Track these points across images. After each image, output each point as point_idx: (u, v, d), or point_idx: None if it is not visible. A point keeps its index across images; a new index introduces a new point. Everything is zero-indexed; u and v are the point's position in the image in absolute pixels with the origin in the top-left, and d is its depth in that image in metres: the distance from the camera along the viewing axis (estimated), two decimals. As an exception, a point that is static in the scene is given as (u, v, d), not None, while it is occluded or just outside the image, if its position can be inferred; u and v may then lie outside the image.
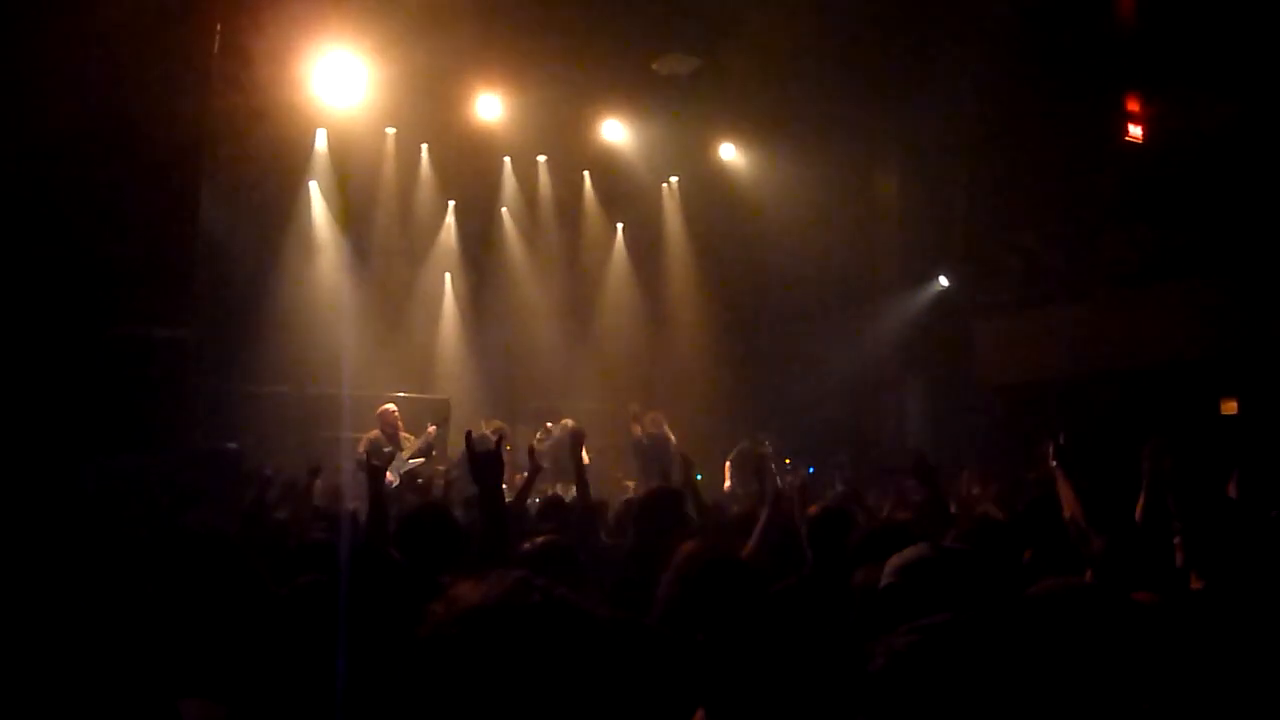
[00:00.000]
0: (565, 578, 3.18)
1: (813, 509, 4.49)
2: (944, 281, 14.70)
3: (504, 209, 14.13)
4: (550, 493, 7.91)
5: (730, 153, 14.18)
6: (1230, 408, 11.44)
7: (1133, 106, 11.95)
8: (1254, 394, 11.10)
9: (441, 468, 10.37)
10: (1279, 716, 2.63)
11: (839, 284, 14.14)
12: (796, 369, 13.69)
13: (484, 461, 3.53)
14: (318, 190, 12.58)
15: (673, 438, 11.80)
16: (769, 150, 13.77)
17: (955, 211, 14.05)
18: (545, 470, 8.49)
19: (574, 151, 13.64)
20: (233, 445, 9.31)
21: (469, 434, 4.36)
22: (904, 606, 2.37)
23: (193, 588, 2.67)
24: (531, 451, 6.69)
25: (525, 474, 11.03)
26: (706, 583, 3.15)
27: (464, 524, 4.53)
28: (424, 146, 13.23)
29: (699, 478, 7.98)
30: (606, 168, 13.92)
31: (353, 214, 12.64)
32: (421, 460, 10.25)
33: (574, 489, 6.46)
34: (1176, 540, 3.80)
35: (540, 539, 3.84)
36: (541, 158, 13.93)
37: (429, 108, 12.00)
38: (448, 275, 14.01)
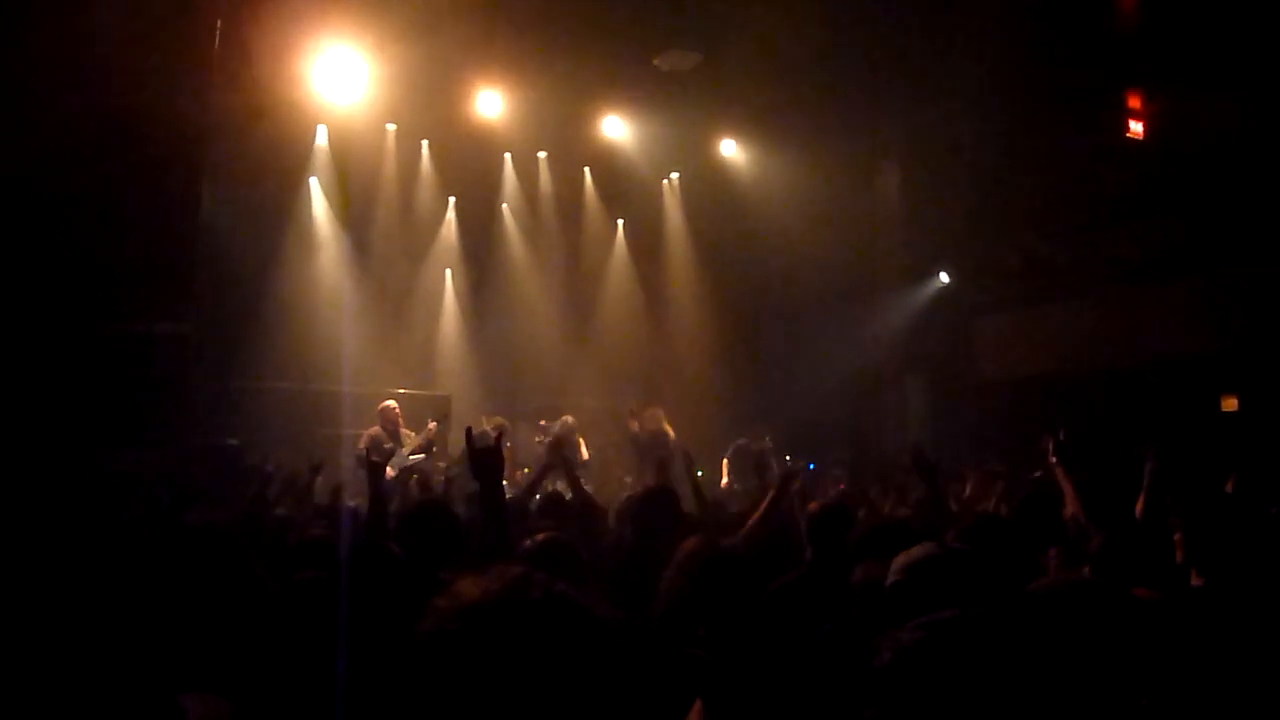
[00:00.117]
0: (567, 574, 3.19)
1: (813, 505, 4.49)
2: (945, 278, 14.70)
3: (504, 205, 14.13)
4: (550, 489, 7.91)
5: (731, 149, 14.17)
6: (1230, 405, 11.44)
7: (1134, 103, 11.94)
8: (1254, 391, 11.10)
9: (442, 464, 10.38)
10: (1278, 713, 2.63)
11: (840, 281, 14.13)
12: (797, 365, 13.69)
13: (484, 458, 3.53)
14: (318, 187, 12.58)
15: (672, 434, 11.80)
16: (770, 146, 13.76)
17: (956, 208, 14.04)
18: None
19: (575, 148, 13.63)
20: (233, 442, 9.32)
21: (469, 430, 4.36)
22: (910, 603, 2.38)
23: (192, 584, 2.67)
24: (552, 446, 6.63)
25: (526, 470, 11.11)
26: (708, 578, 3.15)
27: (465, 520, 4.54)
28: (424, 143, 13.23)
29: (699, 474, 8.00)
30: (607, 164, 13.91)
31: (353, 210, 12.64)
32: (422, 457, 10.26)
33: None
34: (1176, 537, 3.81)
35: (542, 535, 3.84)
36: (542, 154, 13.92)
37: (429, 104, 12.00)
38: (448, 272, 14.01)
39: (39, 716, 1.52)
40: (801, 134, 12.98)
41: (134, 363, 8.39)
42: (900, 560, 2.70)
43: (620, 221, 14.86)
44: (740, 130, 13.94)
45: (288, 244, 12.17)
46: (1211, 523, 3.74)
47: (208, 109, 9.13)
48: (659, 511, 4.78)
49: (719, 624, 3.07)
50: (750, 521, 5.02)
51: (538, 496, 6.64)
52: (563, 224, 14.36)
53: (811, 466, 11.35)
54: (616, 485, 11.11)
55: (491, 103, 12.23)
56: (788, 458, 12.07)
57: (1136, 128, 11.91)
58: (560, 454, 6.40)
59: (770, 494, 5.23)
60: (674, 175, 14.81)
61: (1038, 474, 8.29)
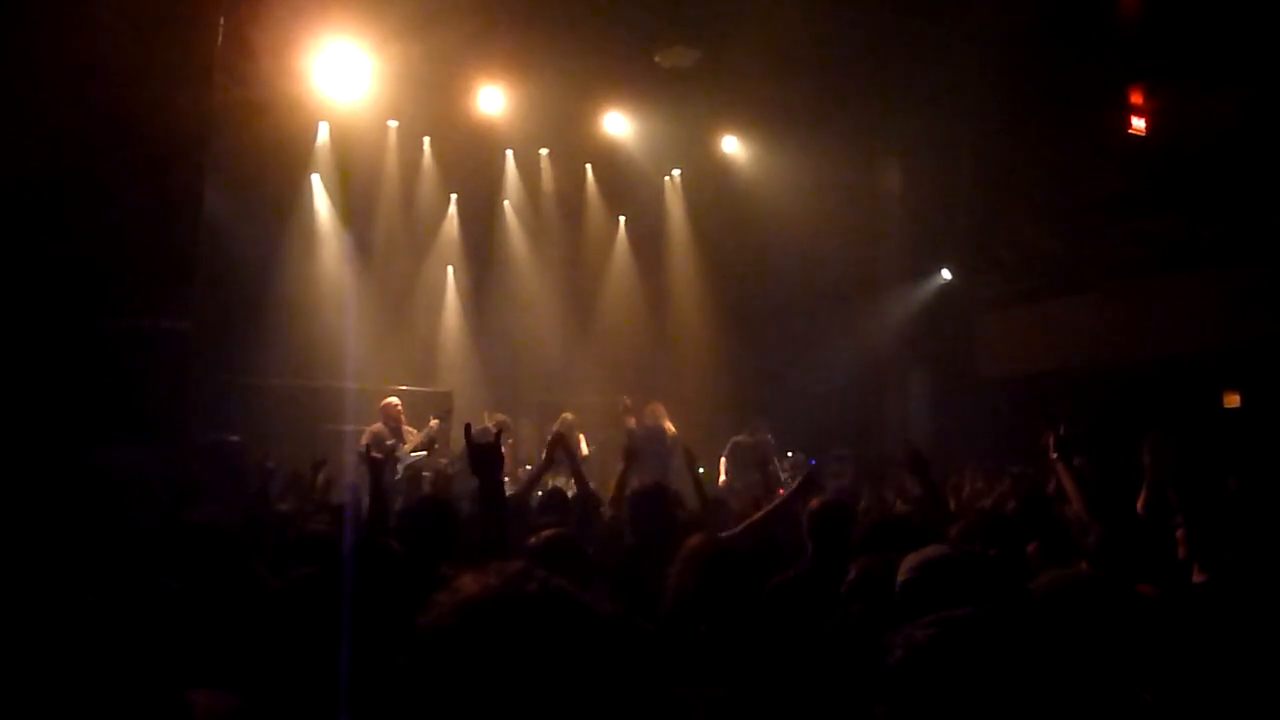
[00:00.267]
0: (571, 570, 3.20)
1: (813, 503, 4.49)
2: (946, 275, 14.69)
3: (506, 202, 14.12)
4: (550, 486, 7.92)
5: (733, 146, 14.16)
6: (1233, 401, 11.43)
7: (1136, 99, 11.92)
8: (1257, 387, 11.09)
9: (444, 460, 10.39)
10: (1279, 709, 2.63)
11: (842, 277, 14.11)
12: (799, 362, 13.68)
13: (482, 454, 3.53)
14: (320, 183, 12.58)
15: (672, 430, 11.78)
16: (772, 143, 13.75)
17: (958, 204, 14.04)
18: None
19: (576, 144, 13.62)
20: (234, 438, 9.32)
21: (468, 427, 4.37)
22: (922, 602, 2.38)
23: (193, 580, 2.67)
24: (552, 442, 6.62)
25: (528, 467, 11.11)
26: (711, 576, 3.16)
27: (468, 517, 4.55)
28: (426, 139, 13.22)
29: (700, 471, 7.99)
30: (609, 161, 13.90)
31: (355, 207, 12.63)
32: (424, 454, 10.27)
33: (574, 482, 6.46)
34: (1179, 533, 3.81)
35: (547, 532, 3.85)
36: (544, 151, 13.91)
37: (431, 101, 11.99)
38: (450, 268, 14.01)
39: (49, 713, 1.53)
40: (803, 131, 12.96)
41: (135, 359, 8.38)
42: (912, 559, 2.70)
43: (622, 218, 14.86)
44: (742, 127, 13.93)
45: (289, 240, 12.17)
46: (1214, 519, 3.74)
47: (210, 105, 9.12)
48: (655, 509, 4.78)
49: (721, 621, 3.07)
50: (752, 518, 5.01)
51: (539, 493, 6.64)
52: (564, 221, 14.35)
53: (813, 463, 11.35)
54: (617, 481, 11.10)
55: (493, 99, 12.23)
56: (790, 454, 12.10)
57: (1138, 124, 11.90)
58: (563, 450, 6.39)
59: (782, 497, 5.22)
60: (676, 172, 14.80)
61: (1015, 470, 8.31)
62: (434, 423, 10.46)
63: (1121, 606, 2.45)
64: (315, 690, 2.47)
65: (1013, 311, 13.88)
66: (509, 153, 13.79)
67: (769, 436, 11.91)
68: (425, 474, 10.14)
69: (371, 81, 11.20)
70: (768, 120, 13.31)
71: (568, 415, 11.78)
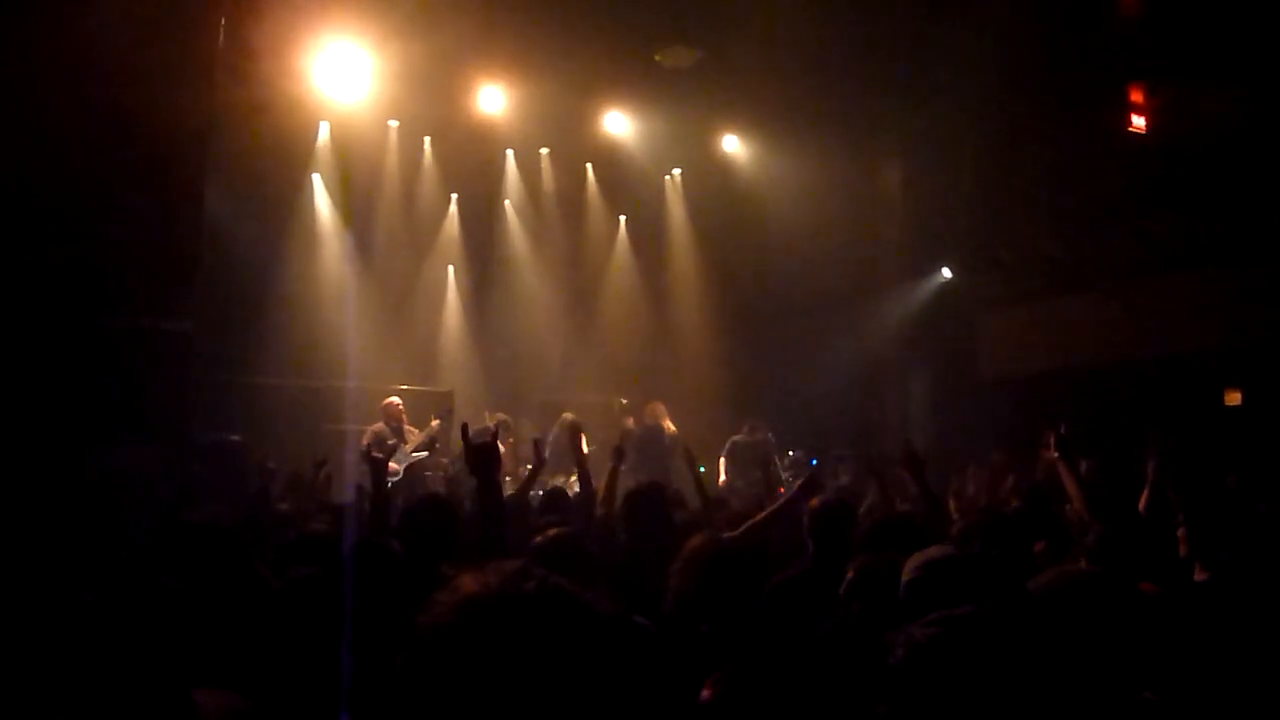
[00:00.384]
0: (576, 569, 3.20)
1: (814, 502, 4.50)
2: (947, 273, 14.68)
3: (507, 201, 14.12)
4: (551, 485, 7.92)
5: (733, 145, 14.17)
6: (1234, 399, 11.43)
7: (1136, 97, 11.91)
8: (1258, 385, 11.09)
9: (445, 460, 10.39)
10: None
11: (842, 276, 14.11)
12: (800, 361, 13.68)
13: (479, 454, 3.53)
14: (321, 183, 12.59)
15: (672, 429, 11.77)
16: (772, 142, 13.75)
17: (958, 203, 14.03)
18: (546, 463, 8.46)
19: (577, 144, 13.63)
20: (236, 438, 9.32)
21: (465, 427, 4.39)
22: (927, 602, 2.39)
23: (194, 580, 2.67)
24: (536, 445, 6.68)
25: (528, 467, 11.11)
26: (712, 575, 3.16)
27: (470, 516, 4.55)
28: (427, 139, 13.23)
29: (701, 470, 7.99)
30: (609, 160, 13.91)
31: (356, 207, 12.64)
32: (425, 454, 10.28)
33: (575, 481, 6.47)
34: (1180, 532, 3.80)
35: (551, 531, 3.85)
36: (544, 150, 13.91)
37: (432, 100, 12.00)
38: (450, 268, 14.01)
39: (58, 712, 1.53)
40: (803, 130, 12.97)
41: (136, 358, 8.38)
42: (916, 559, 2.71)
43: (622, 218, 14.86)
44: (742, 126, 13.93)
45: (290, 240, 12.18)
46: (1215, 517, 3.73)
47: (210, 105, 9.12)
48: (650, 508, 4.78)
49: (722, 621, 3.07)
50: (754, 519, 5.01)
51: (540, 493, 6.65)
52: (565, 220, 14.34)
53: (814, 462, 11.35)
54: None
55: (494, 99, 12.24)
56: (790, 452, 12.09)
57: (1139, 122, 11.89)
58: (572, 449, 6.41)
59: (784, 498, 5.22)
60: (676, 171, 14.81)
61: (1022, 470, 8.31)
62: (435, 423, 10.46)
63: (1122, 605, 2.45)
64: (315, 690, 2.47)
65: (1013, 311, 13.87)
66: (509, 152, 13.79)
67: (769, 435, 11.91)
68: (427, 473, 10.16)
69: (372, 81, 11.20)
70: (768, 120, 13.32)
71: (568, 415, 11.78)
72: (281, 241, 12.00)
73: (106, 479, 7.18)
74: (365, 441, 9.69)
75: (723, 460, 11.62)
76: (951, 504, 6.23)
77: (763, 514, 5.06)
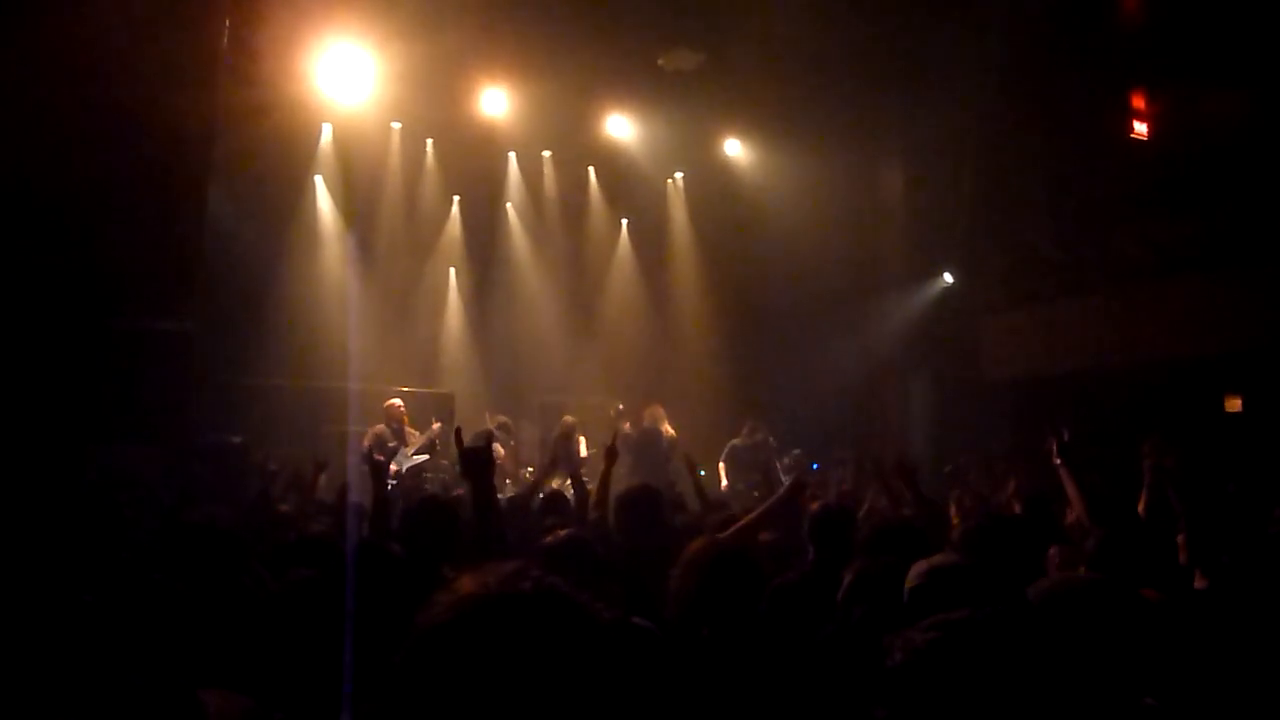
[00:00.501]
0: (585, 570, 3.21)
1: (814, 506, 4.49)
2: (949, 278, 14.69)
3: (509, 204, 14.13)
4: (550, 487, 7.92)
5: (735, 148, 14.17)
6: (1234, 405, 11.42)
7: (1138, 103, 11.92)
8: (1258, 392, 11.08)
9: (445, 462, 10.39)
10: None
11: (844, 280, 14.11)
12: (801, 364, 13.68)
13: (473, 459, 3.54)
14: (323, 185, 12.60)
15: (671, 432, 11.76)
16: (774, 146, 13.76)
17: (960, 208, 14.03)
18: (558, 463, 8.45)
19: (579, 147, 13.63)
20: (236, 439, 9.32)
21: (458, 431, 4.39)
22: (931, 608, 2.39)
23: (194, 581, 2.67)
24: (557, 443, 6.63)
25: (529, 469, 11.11)
26: (713, 579, 3.16)
27: (470, 518, 4.55)
28: (429, 141, 13.24)
29: (702, 473, 7.99)
30: (612, 163, 13.91)
31: (358, 208, 12.65)
32: (426, 457, 10.28)
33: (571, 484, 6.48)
34: (1180, 538, 3.80)
35: (562, 532, 3.85)
36: (546, 153, 13.92)
37: (434, 102, 12.00)
38: (452, 270, 14.02)
39: (66, 713, 1.53)
40: (805, 134, 12.97)
41: (138, 360, 8.39)
42: (921, 566, 2.71)
43: (625, 221, 14.87)
44: (744, 130, 13.93)
45: (292, 241, 12.18)
46: (1215, 524, 3.73)
47: (213, 107, 9.13)
48: (643, 511, 4.77)
49: (723, 624, 3.07)
50: (741, 520, 4.98)
51: (540, 495, 6.64)
52: (567, 223, 14.35)
53: (815, 467, 11.35)
54: (617, 483, 11.09)
55: (496, 101, 12.24)
56: (791, 453, 12.07)
57: (1140, 128, 11.90)
58: (565, 451, 6.41)
59: (771, 499, 5.22)
60: (678, 175, 14.82)
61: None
62: (436, 425, 10.47)
63: (1121, 610, 2.45)
64: (315, 693, 2.47)
65: (1014, 314, 13.88)
66: (512, 155, 13.81)
67: (769, 439, 11.90)
68: (426, 475, 10.15)
69: (375, 83, 11.20)
70: (770, 123, 13.32)
71: (569, 418, 11.79)
72: (283, 243, 12.00)
73: (107, 479, 7.18)
74: (366, 443, 9.69)
75: (722, 465, 11.61)
76: (953, 508, 6.22)
77: (749, 516, 5.04)
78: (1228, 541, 3.68)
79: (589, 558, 3.59)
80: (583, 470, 7.49)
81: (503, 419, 11.64)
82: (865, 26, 11.08)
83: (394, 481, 9.24)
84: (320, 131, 12.21)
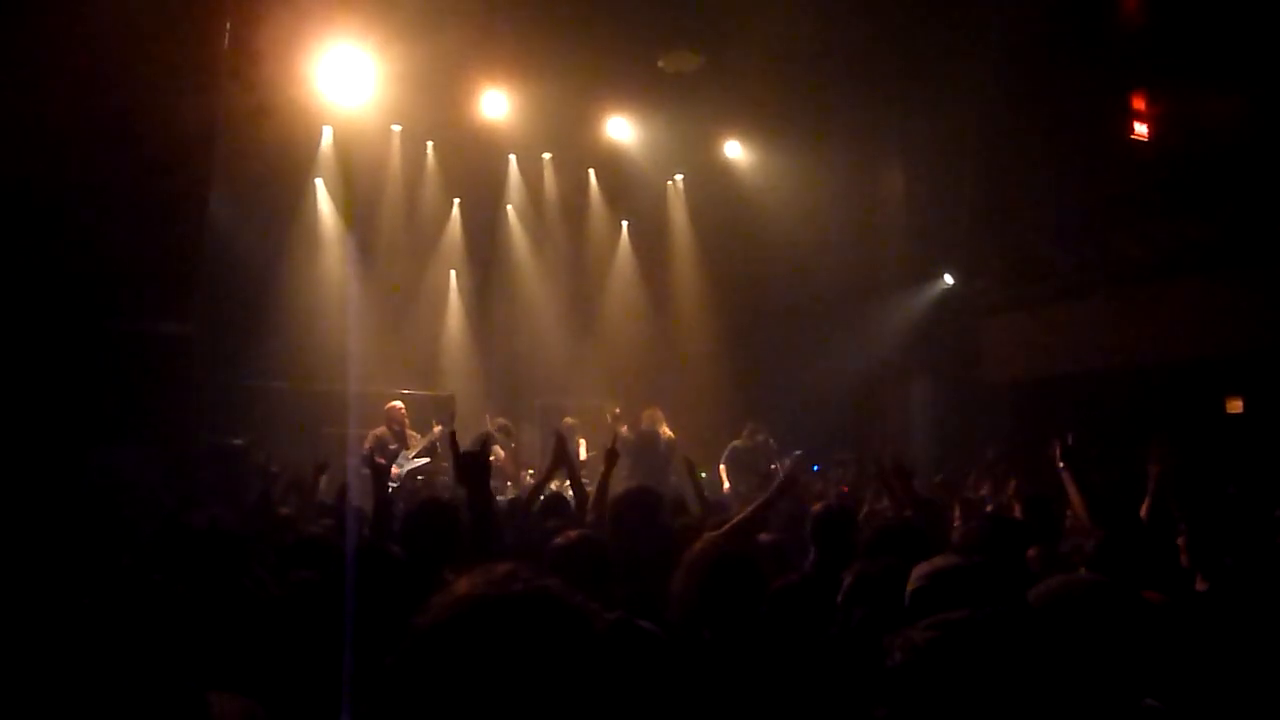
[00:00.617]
0: (594, 572, 3.20)
1: (815, 507, 4.49)
2: (949, 279, 14.69)
3: (509, 206, 14.14)
4: (550, 489, 7.90)
5: (736, 150, 14.17)
6: (1235, 407, 11.42)
7: (1139, 105, 11.92)
8: (1259, 393, 11.08)
9: (446, 464, 10.38)
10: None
11: (844, 282, 14.11)
12: (801, 367, 13.68)
13: (469, 461, 3.54)
14: (323, 187, 12.60)
15: (669, 434, 11.75)
16: (774, 147, 13.76)
17: (961, 210, 14.03)
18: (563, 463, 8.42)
19: (579, 149, 13.63)
20: (238, 442, 9.32)
21: (453, 435, 4.39)
22: (933, 609, 2.39)
23: (194, 584, 2.67)
24: (559, 444, 6.59)
25: (530, 471, 11.10)
26: (714, 581, 3.16)
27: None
28: (429, 144, 13.24)
29: (703, 475, 7.98)
30: (612, 165, 13.92)
31: (358, 211, 12.64)
32: (427, 459, 10.27)
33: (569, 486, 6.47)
34: (1180, 540, 3.79)
35: (573, 533, 3.84)
36: (546, 155, 13.93)
37: (434, 105, 12.00)
38: (453, 272, 14.02)
39: (73, 713, 1.54)
40: (806, 135, 12.97)
41: (138, 362, 8.39)
42: (923, 568, 2.71)
43: (625, 223, 14.87)
44: (744, 132, 13.93)
45: (293, 244, 12.19)
46: (1216, 526, 3.73)
47: (214, 110, 9.14)
48: (640, 513, 4.76)
49: (725, 626, 3.07)
50: (733, 519, 4.96)
51: (541, 497, 6.62)
52: (567, 225, 14.36)
53: (816, 469, 11.34)
54: (617, 485, 11.09)
55: (496, 104, 12.25)
56: (789, 456, 12.05)
57: (1141, 129, 11.90)
58: (565, 452, 6.39)
59: (762, 497, 5.21)
60: (678, 177, 14.82)
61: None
62: (437, 428, 10.46)
63: (1122, 611, 2.45)
64: (316, 694, 2.47)
65: (1015, 316, 13.87)
66: (512, 157, 13.81)
67: (770, 440, 11.89)
68: (421, 478, 10.14)
69: (375, 86, 11.21)
70: (770, 125, 13.32)
71: (569, 420, 11.78)
72: (284, 245, 12.01)
73: (107, 482, 7.19)
74: (367, 446, 9.69)
75: (722, 467, 11.60)
76: (956, 510, 6.21)
77: (740, 515, 5.02)
78: (1229, 544, 3.67)
79: (601, 559, 3.59)
80: (582, 472, 7.48)
81: (503, 421, 11.64)
82: (865, 27, 11.07)
83: (395, 484, 9.25)
84: (321, 134, 12.22)
